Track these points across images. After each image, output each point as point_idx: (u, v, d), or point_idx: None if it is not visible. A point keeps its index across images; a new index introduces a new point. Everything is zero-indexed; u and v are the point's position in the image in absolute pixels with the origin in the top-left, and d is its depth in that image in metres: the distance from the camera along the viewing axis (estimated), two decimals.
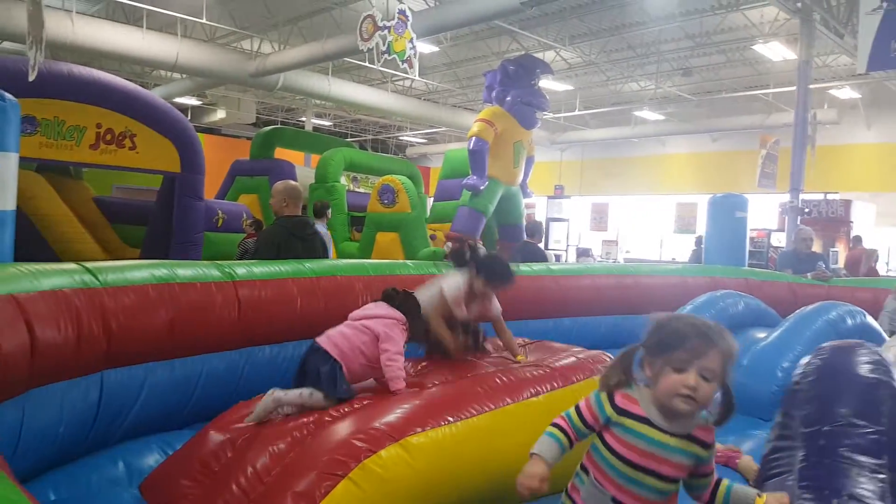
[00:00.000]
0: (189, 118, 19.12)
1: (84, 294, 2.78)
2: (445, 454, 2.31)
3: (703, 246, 8.88)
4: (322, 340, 2.82)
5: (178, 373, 3.17)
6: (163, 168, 7.53)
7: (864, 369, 2.31)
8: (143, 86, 14.29)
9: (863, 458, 2.00)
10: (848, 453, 2.02)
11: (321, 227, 8.47)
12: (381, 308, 2.97)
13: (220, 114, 22.49)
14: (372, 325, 2.87)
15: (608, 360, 3.31)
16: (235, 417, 2.62)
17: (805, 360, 2.52)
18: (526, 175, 12.11)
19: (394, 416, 2.35)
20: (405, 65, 10.15)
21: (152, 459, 2.85)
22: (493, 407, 2.56)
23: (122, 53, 12.77)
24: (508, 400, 2.64)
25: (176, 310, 3.13)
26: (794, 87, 11.69)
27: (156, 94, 9.01)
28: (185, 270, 3.32)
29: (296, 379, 2.79)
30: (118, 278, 3.00)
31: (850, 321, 4.98)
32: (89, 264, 3.02)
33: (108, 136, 7.05)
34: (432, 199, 13.54)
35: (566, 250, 23.15)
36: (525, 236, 12.37)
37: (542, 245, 8.68)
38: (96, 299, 2.83)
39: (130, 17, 13.79)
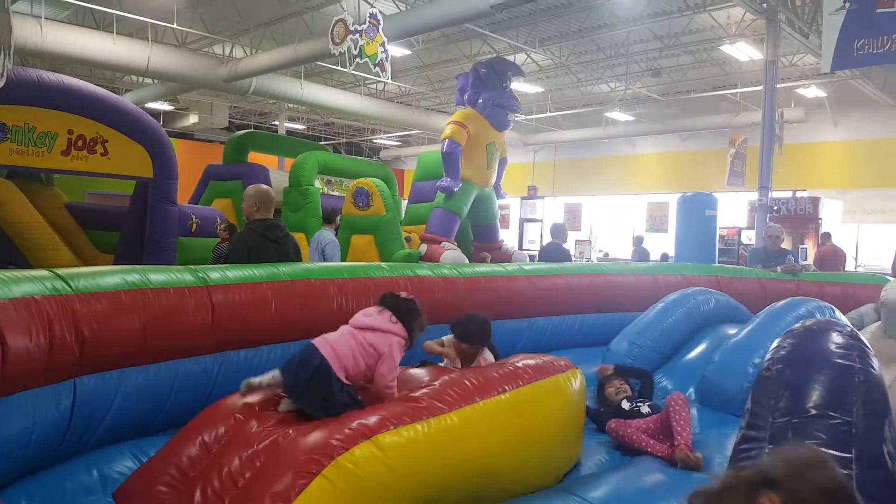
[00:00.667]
0: (161, 123, 18.92)
1: (56, 301, 2.78)
2: (418, 451, 2.35)
3: (643, 245, 9.05)
4: (322, 346, 2.80)
5: (152, 378, 3.17)
6: (135, 173, 7.48)
7: (834, 354, 2.22)
8: (114, 91, 14.14)
9: (831, 452, 1.95)
10: (816, 446, 1.93)
11: (329, 232, 8.29)
12: (385, 320, 2.92)
13: (193, 118, 22.31)
14: (375, 342, 2.84)
15: (564, 363, 3.37)
16: (210, 421, 2.63)
17: (776, 343, 2.42)
18: (499, 176, 12.19)
19: (368, 416, 2.38)
20: (377, 68, 10.18)
21: (126, 466, 2.85)
22: (463, 405, 2.61)
23: (93, 59, 12.63)
24: (478, 399, 2.69)
25: (149, 315, 3.13)
26: (761, 87, 11.89)
27: (127, 100, 8.94)
28: (158, 275, 3.32)
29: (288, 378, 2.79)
30: (90, 284, 2.99)
31: (818, 317, 5.09)
32: (61, 271, 3.01)
33: (80, 142, 6.99)
34: (407, 201, 13.57)
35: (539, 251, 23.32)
36: (498, 242, 12.45)
37: (566, 245, 8.66)
38: (68, 306, 2.83)
39: (100, 23, 13.65)
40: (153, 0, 13.11)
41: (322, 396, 2.70)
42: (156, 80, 16.96)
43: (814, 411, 2.07)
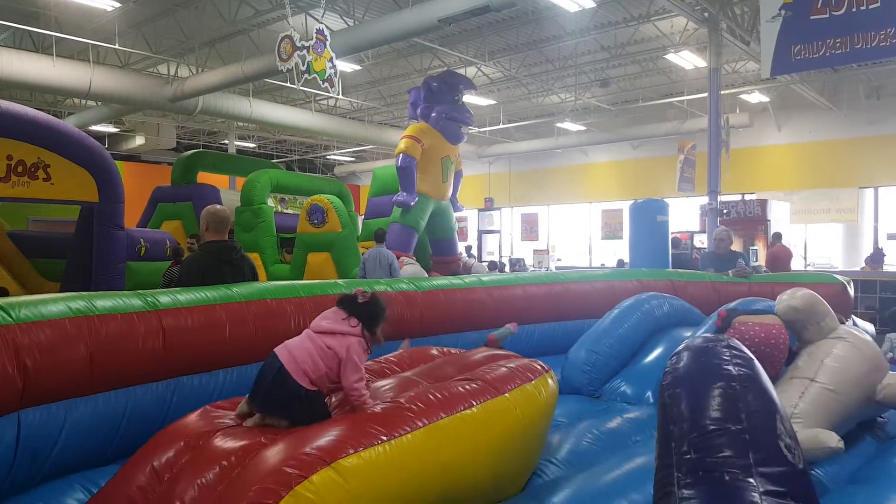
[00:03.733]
0: (107, 146, 18.55)
1: None
2: (380, 474, 2.28)
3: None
4: (280, 352, 2.74)
5: (101, 408, 3.05)
6: (80, 198, 7.27)
7: (716, 370, 2.28)
8: (56, 115, 13.82)
9: (732, 461, 2.01)
10: (718, 460, 2.02)
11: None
12: (341, 323, 2.81)
13: (139, 140, 21.90)
14: (333, 344, 2.75)
15: (539, 367, 3.36)
16: (160, 447, 2.53)
17: (666, 366, 2.47)
18: (455, 189, 12.23)
19: (325, 438, 2.30)
20: (326, 84, 10.12)
21: (76, 499, 2.74)
22: (427, 422, 2.55)
23: (33, 83, 12.31)
24: (442, 415, 2.63)
25: (96, 343, 3.02)
26: (706, 94, 12.18)
27: (69, 123, 8.70)
28: (105, 301, 3.21)
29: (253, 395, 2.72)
30: (32, 313, 2.88)
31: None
32: (1, 301, 2.89)
33: (20, 168, 6.77)
34: (363, 217, 13.50)
35: (500, 258, 23.46)
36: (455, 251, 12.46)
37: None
38: (9, 336, 2.72)
39: (39, 45, 13.32)
40: (94, 21, 12.84)
41: (283, 403, 2.65)
42: (99, 103, 16.61)
43: (707, 427, 2.13)
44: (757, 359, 2.39)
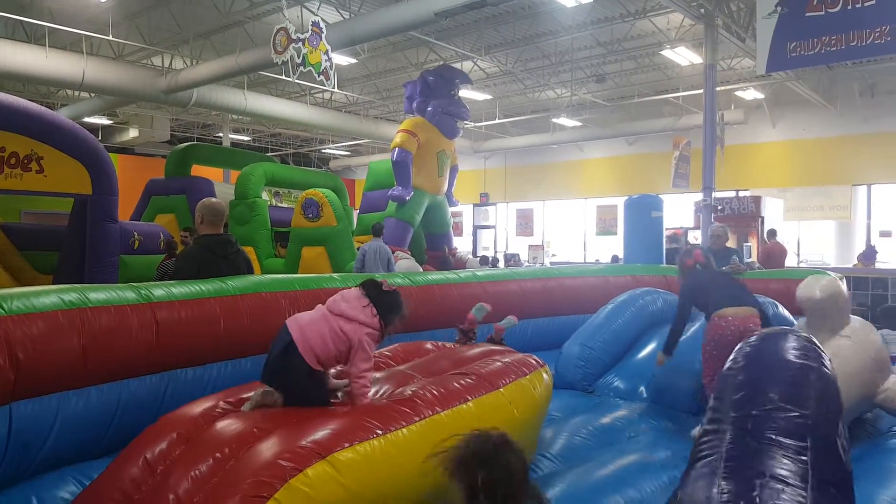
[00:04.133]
0: (100, 138, 18.50)
1: None
2: (375, 468, 2.28)
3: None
4: (292, 327, 2.77)
5: (94, 401, 3.04)
6: (73, 190, 7.22)
7: (792, 354, 2.37)
8: (49, 106, 13.73)
9: (787, 441, 2.05)
10: (773, 435, 2.08)
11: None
12: (361, 312, 2.81)
13: (133, 132, 21.76)
14: (348, 330, 2.76)
15: (533, 362, 3.36)
16: (152, 439, 2.52)
17: (738, 346, 2.58)
18: (451, 184, 12.21)
19: (320, 432, 2.30)
20: (321, 77, 10.08)
21: (69, 492, 2.73)
22: (422, 417, 2.55)
23: (26, 74, 12.20)
24: (438, 409, 2.63)
25: (89, 335, 3.01)
26: (701, 90, 12.18)
27: (62, 115, 8.65)
28: (98, 294, 3.19)
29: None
30: (25, 305, 2.86)
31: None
32: None
33: (13, 160, 6.72)
34: (358, 211, 13.47)
35: (495, 254, 23.47)
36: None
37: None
38: (0, 328, 2.70)
39: (32, 36, 13.22)
40: (87, 11, 12.76)
41: (286, 377, 2.70)
42: (93, 94, 16.51)
43: (771, 405, 2.19)
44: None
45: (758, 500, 1.89)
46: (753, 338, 2.57)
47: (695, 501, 2.00)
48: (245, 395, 2.83)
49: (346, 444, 2.25)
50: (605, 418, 4.15)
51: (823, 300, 3.80)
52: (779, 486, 1.92)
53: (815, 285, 3.85)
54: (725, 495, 1.94)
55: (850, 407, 3.61)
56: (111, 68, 13.49)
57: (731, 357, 2.51)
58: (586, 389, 5.04)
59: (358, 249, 9.39)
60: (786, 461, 1.99)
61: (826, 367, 2.37)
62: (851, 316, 4.10)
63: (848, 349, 3.69)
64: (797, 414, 2.13)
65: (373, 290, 2.87)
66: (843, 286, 3.96)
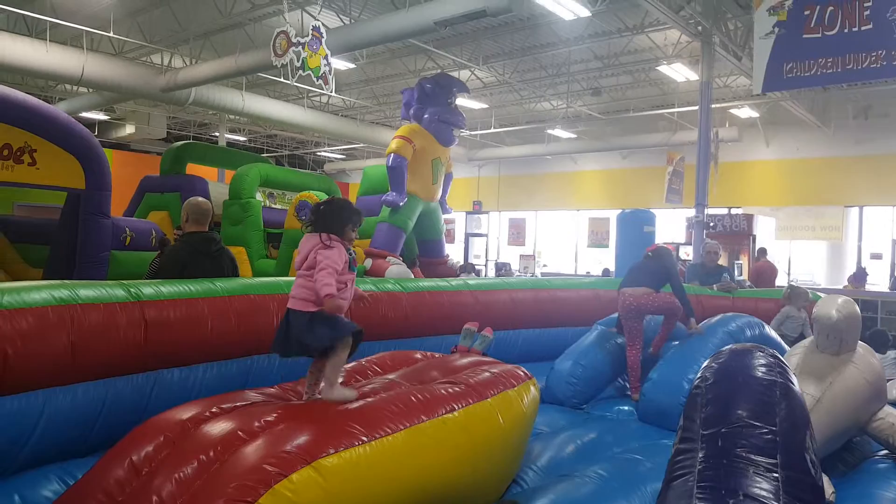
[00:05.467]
0: (96, 133, 18.39)
1: None
2: (360, 475, 2.28)
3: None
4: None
5: (80, 398, 3.03)
6: (66, 184, 7.19)
7: (759, 371, 2.40)
8: (47, 100, 13.67)
9: (758, 458, 2.08)
10: (744, 453, 2.10)
11: None
12: (305, 242, 2.87)
13: (129, 129, 21.71)
14: (310, 262, 2.81)
15: (521, 374, 3.37)
16: (138, 441, 2.51)
17: (704, 363, 2.60)
18: (444, 191, 12.21)
19: (305, 437, 2.30)
20: (320, 81, 10.09)
21: (51, 490, 2.72)
22: (408, 425, 2.55)
23: (25, 67, 12.17)
24: (424, 417, 2.63)
25: (77, 332, 3.00)
26: (697, 107, 12.25)
27: (59, 109, 8.63)
28: (88, 291, 3.19)
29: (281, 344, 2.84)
30: (14, 300, 2.85)
31: (748, 332, 5.25)
32: None
33: (6, 152, 6.69)
34: None
35: (485, 265, 23.48)
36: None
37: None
38: None
39: (33, 30, 13.19)
40: (89, 7, 12.74)
41: (299, 338, 2.77)
42: (91, 90, 16.48)
43: (740, 421, 2.22)
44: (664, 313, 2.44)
45: None
46: (721, 355, 2.59)
47: None
48: (236, 403, 2.80)
49: (332, 451, 2.25)
50: (592, 434, 4.15)
51: (840, 321, 3.74)
52: None
53: (831, 305, 3.80)
54: None
55: (842, 430, 3.60)
56: (111, 64, 13.48)
57: (698, 375, 2.54)
58: (576, 407, 5.04)
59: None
60: (758, 479, 2.03)
61: (791, 381, 2.41)
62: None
63: (851, 372, 3.66)
64: (766, 430, 2.16)
65: (310, 216, 2.92)
66: (857, 308, 3.92)
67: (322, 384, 2.84)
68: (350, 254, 2.90)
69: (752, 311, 6.35)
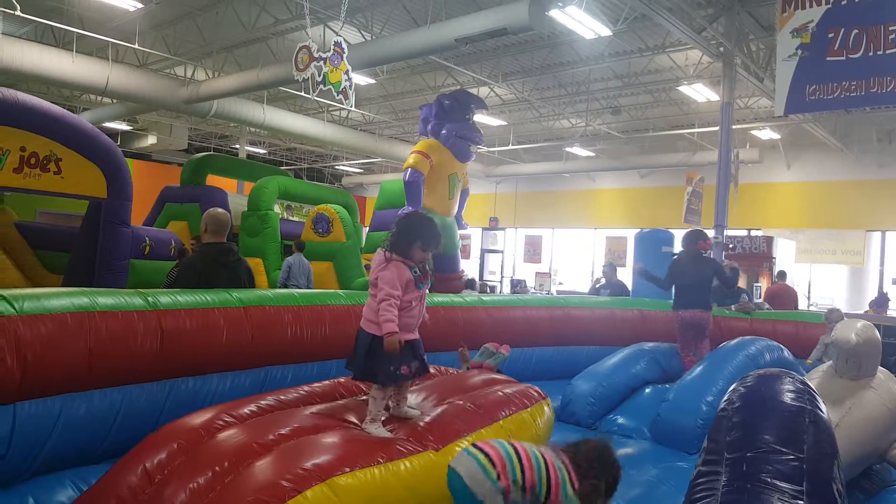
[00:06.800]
0: (119, 143, 18.64)
1: None
2: (374, 496, 2.27)
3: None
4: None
5: (96, 405, 3.06)
6: (88, 193, 7.30)
7: (787, 397, 2.35)
8: (71, 110, 13.88)
9: (783, 484, 2.03)
10: (769, 479, 2.05)
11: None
12: (375, 256, 2.85)
13: (151, 139, 21.99)
14: (372, 281, 2.82)
15: (535, 394, 3.34)
16: (152, 448, 2.52)
17: (732, 387, 2.56)
18: (461, 207, 12.21)
19: (323, 455, 2.30)
20: (340, 96, 10.16)
21: (65, 496, 2.74)
22: (422, 448, 2.55)
23: (51, 77, 12.38)
24: (435, 443, 2.63)
25: (95, 339, 3.03)
26: (717, 128, 12.20)
27: (83, 118, 8.76)
28: (106, 299, 3.22)
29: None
30: (35, 306, 2.89)
31: (768, 356, 5.20)
32: (5, 291, 2.91)
33: (32, 160, 6.80)
34: (368, 228, 13.51)
35: (500, 282, 23.43)
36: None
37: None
38: (10, 328, 2.73)
39: (60, 40, 13.42)
40: (115, 19, 12.95)
41: (362, 361, 2.76)
42: (115, 100, 16.71)
43: (766, 447, 2.17)
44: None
45: None
46: (749, 379, 2.55)
47: None
48: (248, 409, 2.81)
49: (347, 469, 2.25)
50: None
51: (859, 345, 3.68)
52: None
53: (851, 329, 3.75)
54: None
55: (861, 457, 3.52)
56: (135, 76, 13.67)
57: (725, 398, 2.50)
58: (591, 426, 5.01)
59: (284, 262, 10.30)
60: None
61: (820, 409, 2.35)
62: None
63: (870, 398, 3.59)
64: (792, 457, 2.11)
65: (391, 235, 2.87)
66: (877, 333, 3.86)
67: (401, 402, 2.88)
68: (415, 272, 2.79)
69: (770, 334, 6.29)
